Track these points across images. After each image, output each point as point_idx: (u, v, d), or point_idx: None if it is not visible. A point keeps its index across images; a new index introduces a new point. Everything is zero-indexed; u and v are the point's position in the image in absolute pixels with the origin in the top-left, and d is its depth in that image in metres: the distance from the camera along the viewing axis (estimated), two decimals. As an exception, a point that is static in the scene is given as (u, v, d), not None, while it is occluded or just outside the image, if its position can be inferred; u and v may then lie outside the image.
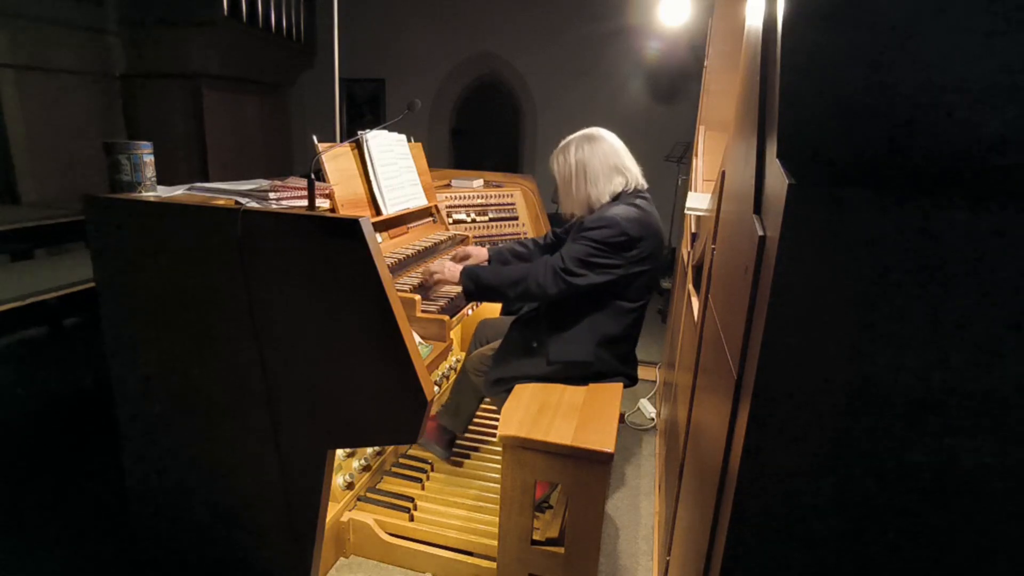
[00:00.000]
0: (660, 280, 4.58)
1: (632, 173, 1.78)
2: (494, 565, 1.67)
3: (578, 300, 1.73)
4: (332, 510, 1.77)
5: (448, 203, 2.55)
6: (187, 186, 1.66)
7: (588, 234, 1.66)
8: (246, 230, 1.34)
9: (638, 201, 1.74)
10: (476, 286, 1.72)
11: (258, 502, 1.55)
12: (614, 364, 1.81)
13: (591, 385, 1.80)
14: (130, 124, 4.76)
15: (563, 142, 1.82)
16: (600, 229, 1.64)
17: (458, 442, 2.25)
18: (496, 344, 1.97)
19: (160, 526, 1.71)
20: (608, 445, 1.47)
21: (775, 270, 0.57)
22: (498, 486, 1.87)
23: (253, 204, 1.47)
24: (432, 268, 1.78)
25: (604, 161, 1.75)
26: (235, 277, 1.38)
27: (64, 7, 4.14)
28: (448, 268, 1.78)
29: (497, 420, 2.20)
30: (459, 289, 1.79)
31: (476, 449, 2.32)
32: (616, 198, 1.76)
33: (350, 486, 1.88)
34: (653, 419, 2.79)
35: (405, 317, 1.33)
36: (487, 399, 2.09)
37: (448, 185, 2.72)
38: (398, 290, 1.51)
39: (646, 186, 1.82)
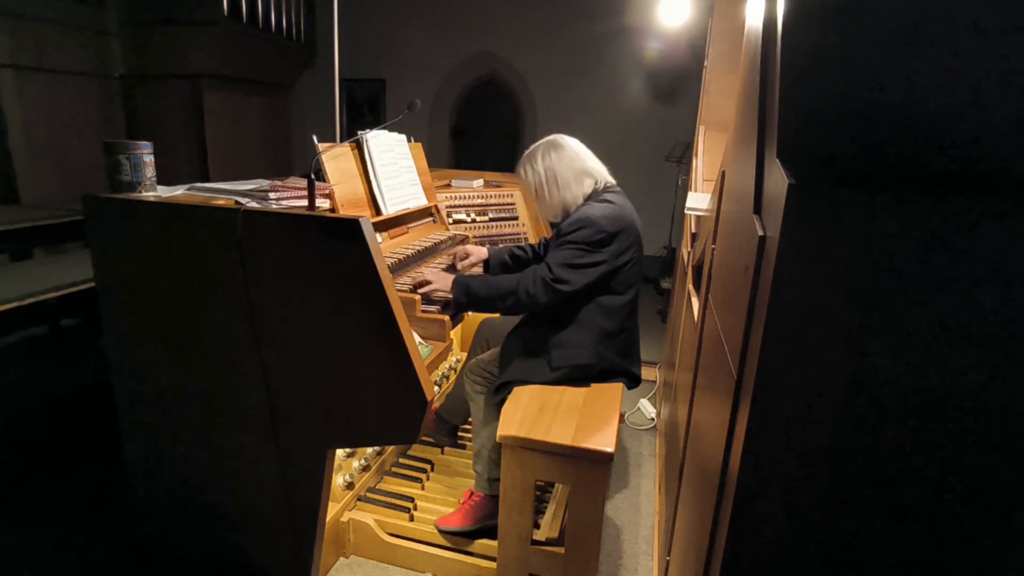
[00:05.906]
0: (647, 272, 4.56)
1: (599, 172, 1.82)
2: (494, 565, 1.67)
3: (570, 302, 1.75)
4: (332, 510, 1.77)
5: (448, 203, 2.55)
6: (187, 186, 1.66)
7: (569, 237, 1.70)
8: (246, 230, 1.34)
9: (609, 196, 1.78)
10: (467, 297, 1.74)
11: (258, 502, 1.55)
12: (617, 361, 1.81)
13: (592, 385, 1.80)
14: (130, 124, 4.76)
15: (527, 152, 1.85)
16: (579, 230, 1.69)
17: (461, 430, 2.32)
18: (495, 351, 1.97)
19: (160, 526, 1.71)
20: (608, 445, 1.47)
21: (775, 270, 0.57)
22: (498, 486, 1.87)
23: (253, 204, 1.47)
24: (426, 276, 1.78)
25: (571, 166, 1.79)
26: (235, 277, 1.38)
27: (64, 7, 4.14)
28: (441, 277, 1.78)
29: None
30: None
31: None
32: (588, 198, 1.80)
33: (350, 486, 1.88)
34: (653, 419, 2.79)
35: (405, 317, 1.33)
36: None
37: (448, 185, 2.72)
38: (398, 290, 1.51)
39: (614, 182, 1.86)
